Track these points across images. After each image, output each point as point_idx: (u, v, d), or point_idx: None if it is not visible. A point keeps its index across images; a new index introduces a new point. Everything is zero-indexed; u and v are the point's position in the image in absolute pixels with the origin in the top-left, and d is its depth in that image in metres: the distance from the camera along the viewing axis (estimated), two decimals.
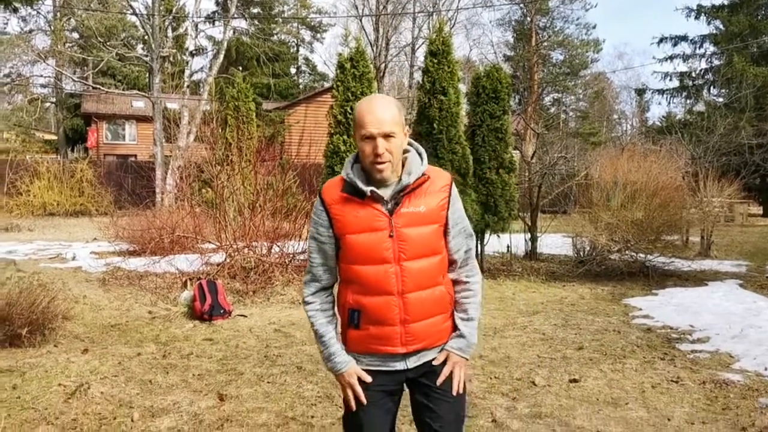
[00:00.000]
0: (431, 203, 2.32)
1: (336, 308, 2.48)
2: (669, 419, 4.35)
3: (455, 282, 2.45)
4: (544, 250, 12.88)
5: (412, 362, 2.36)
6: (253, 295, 8.53)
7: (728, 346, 6.18)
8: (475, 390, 4.91)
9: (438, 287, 2.36)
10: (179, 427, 4.14)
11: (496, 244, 11.81)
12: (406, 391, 2.49)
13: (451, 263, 2.44)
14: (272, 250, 9.62)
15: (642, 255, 10.64)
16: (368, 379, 2.35)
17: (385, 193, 2.29)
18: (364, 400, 2.34)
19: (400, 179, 2.30)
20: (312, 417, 4.34)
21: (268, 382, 5.08)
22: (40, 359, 5.56)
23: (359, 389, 2.34)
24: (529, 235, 12.52)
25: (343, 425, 2.47)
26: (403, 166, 2.34)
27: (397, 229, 2.27)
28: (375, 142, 2.22)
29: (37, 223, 19.40)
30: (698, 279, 10.34)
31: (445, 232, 2.39)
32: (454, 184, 2.42)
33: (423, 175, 2.32)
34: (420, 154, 2.38)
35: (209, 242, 10.28)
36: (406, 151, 2.36)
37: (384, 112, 2.23)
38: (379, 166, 2.24)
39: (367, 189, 2.26)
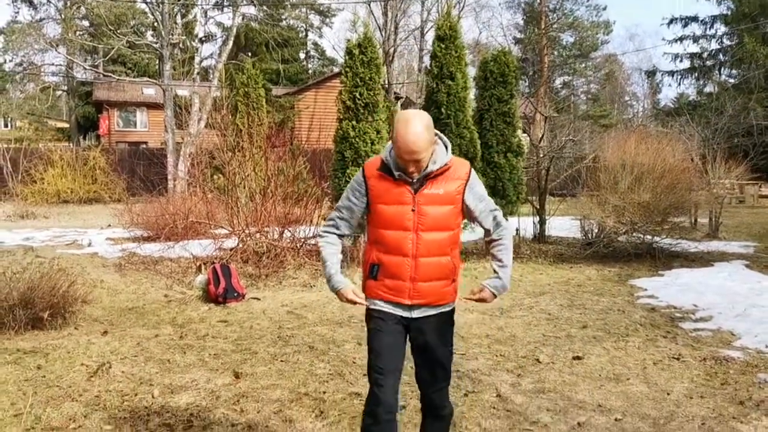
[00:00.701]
0: (450, 188, 2.80)
1: (339, 251, 3.00)
2: (668, 393, 4.51)
3: (491, 241, 2.96)
4: (553, 232, 12.98)
5: (416, 314, 2.86)
6: (265, 278, 8.73)
7: (730, 324, 6.31)
8: (480, 367, 5.08)
9: (445, 257, 2.84)
10: (197, 403, 4.34)
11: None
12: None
13: (486, 231, 2.96)
14: (284, 235, 9.80)
15: (649, 237, 10.74)
16: (362, 296, 2.89)
17: (413, 177, 2.76)
18: (364, 303, 2.89)
19: (427, 167, 2.75)
20: (324, 393, 4.52)
21: (282, 361, 5.27)
22: (62, 341, 5.78)
23: (358, 299, 2.88)
24: (537, 218, 12.63)
25: (368, 349, 2.93)
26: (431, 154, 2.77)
27: (419, 205, 2.76)
28: (407, 163, 2.70)
29: (51, 211, 19.68)
30: (705, 260, 10.43)
31: (470, 211, 2.87)
32: (473, 171, 2.90)
33: (446, 164, 2.79)
34: (446, 146, 2.83)
35: (222, 227, 10.47)
36: (436, 141, 2.80)
37: (415, 145, 2.64)
38: (412, 175, 2.75)
39: (396, 173, 2.76)
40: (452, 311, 2.95)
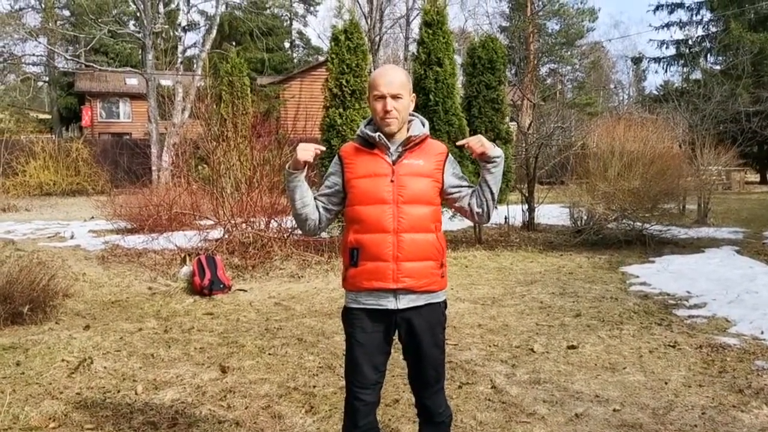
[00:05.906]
0: (429, 160, 2.67)
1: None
2: (666, 382, 4.41)
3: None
4: (542, 220, 12.92)
5: (403, 303, 2.61)
6: (252, 269, 8.56)
7: (725, 310, 6.23)
8: (474, 358, 4.97)
9: (430, 234, 2.65)
10: (183, 399, 4.18)
11: (493, 215, 11.82)
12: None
13: (470, 204, 2.78)
14: (270, 225, 9.63)
15: (639, 223, 10.68)
16: (316, 146, 2.68)
17: (392, 145, 2.64)
18: (321, 148, 2.71)
19: (407, 135, 2.66)
20: (314, 387, 4.38)
21: (270, 354, 5.13)
22: (42, 336, 5.59)
23: (313, 149, 2.68)
24: (526, 206, 12.54)
25: (345, 356, 2.72)
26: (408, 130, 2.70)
27: (398, 176, 2.61)
28: (385, 101, 2.58)
29: (34, 203, 19.36)
30: (695, 246, 10.39)
31: (450, 191, 2.73)
32: (450, 154, 2.77)
33: (424, 134, 2.69)
34: (423, 123, 2.75)
35: (207, 218, 10.28)
36: (412, 118, 2.72)
37: (393, 78, 2.61)
38: (388, 120, 2.60)
39: (376, 134, 2.61)
40: (443, 306, 2.74)
